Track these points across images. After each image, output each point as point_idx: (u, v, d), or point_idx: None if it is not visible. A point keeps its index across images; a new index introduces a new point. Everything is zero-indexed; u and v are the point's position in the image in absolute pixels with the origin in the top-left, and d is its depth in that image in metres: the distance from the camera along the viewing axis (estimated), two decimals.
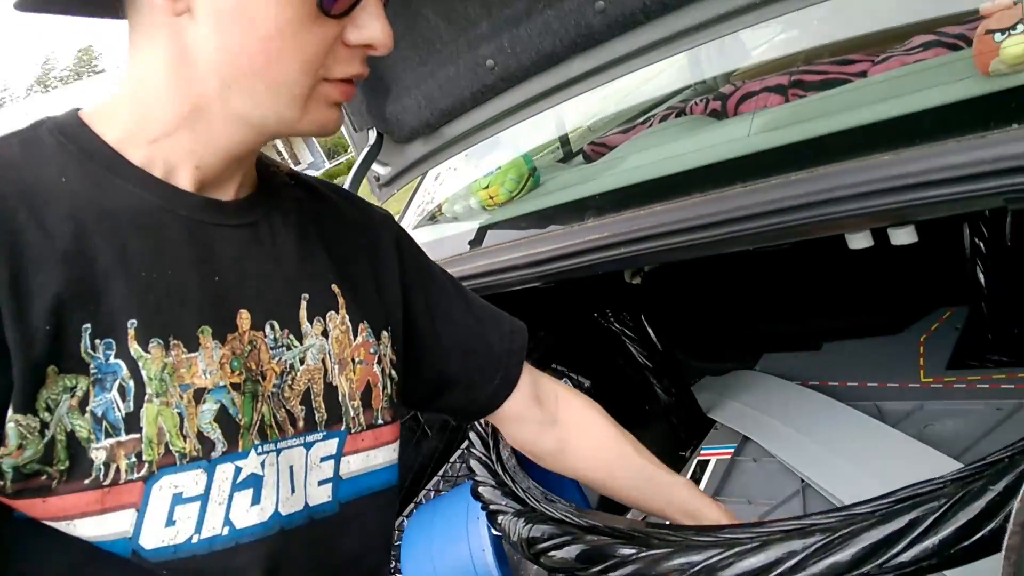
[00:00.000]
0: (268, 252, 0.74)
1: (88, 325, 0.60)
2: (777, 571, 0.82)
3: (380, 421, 0.81)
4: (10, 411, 0.55)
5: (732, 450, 1.73)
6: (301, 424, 0.73)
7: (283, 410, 0.72)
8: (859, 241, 1.20)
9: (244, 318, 0.70)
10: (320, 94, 0.67)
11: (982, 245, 1.67)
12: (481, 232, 1.97)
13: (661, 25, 1.38)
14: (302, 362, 0.74)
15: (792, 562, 0.82)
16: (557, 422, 1.04)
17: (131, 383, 0.61)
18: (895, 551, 0.77)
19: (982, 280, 1.71)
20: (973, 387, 1.61)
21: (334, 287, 0.79)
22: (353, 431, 0.78)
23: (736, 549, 0.86)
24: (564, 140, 2.65)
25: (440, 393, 0.97)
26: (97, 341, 0.60)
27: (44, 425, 0.57)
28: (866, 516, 0.82)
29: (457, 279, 1.01)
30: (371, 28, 0.66)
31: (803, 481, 1.53)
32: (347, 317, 0.79)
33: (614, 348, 1.99)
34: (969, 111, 1.08)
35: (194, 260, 0.67)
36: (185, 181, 0.69)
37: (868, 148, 1.07)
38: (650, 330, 1.96)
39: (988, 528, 0.75)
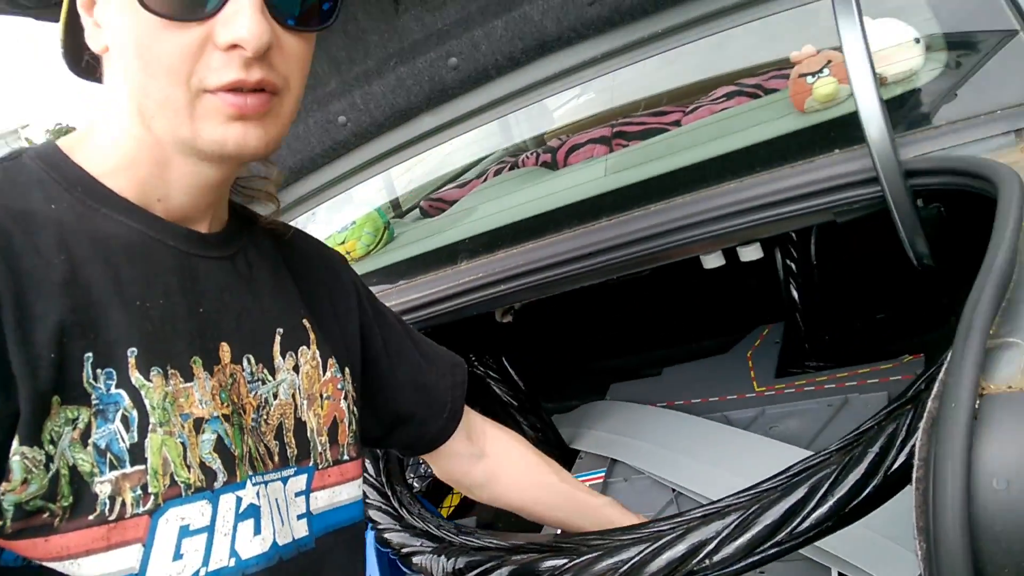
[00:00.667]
0: (246, 285, 0.74)
1: (89, 354, 0.58)
2: (703, 552, 0.90)
3: (346, 457, 0.82)
4: (15, 443, 0.53)
5: (603, 474, 1.82)
6: (276, 459, 0.73)
7: (262, 444, 0.72)
8: (713, 261, 1.35)
9: (225, 351, 0.69)
10: (207, 108, 0.62)
11: (793, 265, 1.91)
12: None
13: (510, 79, 1.49)
14: (275, 397, 0.74)
15: (715, 543, 0.90)
16: (485, 455, 1.08)
17: (134, 413, 0.59)
18: (802, 516, 0.88)
19: (796, 296, 1.96)
20: (801, 390, 1.82)
21: (305, 322, 0.80)
22: (320, 467, 0.78)
23: (662, 540, 0.93)
24: (395, 202, 2.69)
25: (393, 429, 0.98)
26: (98, 371, 0.58)
27: (49, 459, 0.54)
28: (771, 491, 0.93)
29: (400, 316, 1.03)
30: (235, 25, 0.59)
31: (674, 490, 1.64)
32: (317, 352, 0.80)
33: (479, 390, 2.04)
34: (796, 142, 1.27)
35: (182, 290, 0.67)
36: (158, 212, 0.68)
37: (715, 179, 1.22)
38: (512, 371, 2.03)
39: (873, 484, 0.87)
